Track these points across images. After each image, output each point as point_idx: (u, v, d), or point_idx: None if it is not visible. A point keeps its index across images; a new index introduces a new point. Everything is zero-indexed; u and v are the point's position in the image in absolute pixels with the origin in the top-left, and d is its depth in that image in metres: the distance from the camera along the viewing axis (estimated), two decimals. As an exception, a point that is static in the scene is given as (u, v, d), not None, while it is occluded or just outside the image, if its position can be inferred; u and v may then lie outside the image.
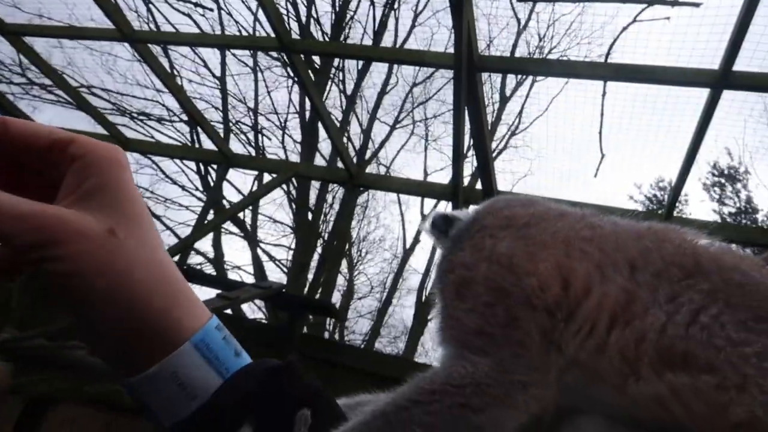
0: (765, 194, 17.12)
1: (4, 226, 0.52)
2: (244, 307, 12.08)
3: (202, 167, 13.04)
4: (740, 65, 4.07)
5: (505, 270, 0.90)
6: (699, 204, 19.16)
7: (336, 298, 16.04)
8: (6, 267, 0.56)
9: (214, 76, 13.39)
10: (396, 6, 14.56)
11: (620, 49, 5.26)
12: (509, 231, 0.99)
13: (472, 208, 1.29)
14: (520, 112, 14.75)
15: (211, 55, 13.12)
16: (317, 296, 12.86)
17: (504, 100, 15.02)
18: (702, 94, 4.40)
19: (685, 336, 0.71)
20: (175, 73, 12.08)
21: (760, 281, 0.77)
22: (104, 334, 0.58)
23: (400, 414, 0.75)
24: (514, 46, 14.08)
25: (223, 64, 13.26)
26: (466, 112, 4.67)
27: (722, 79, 4.07)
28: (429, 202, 16.93)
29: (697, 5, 3.93)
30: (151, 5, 11.22)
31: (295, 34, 12.49)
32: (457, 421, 0.75)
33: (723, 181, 18.73)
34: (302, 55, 5.86)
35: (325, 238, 14.67)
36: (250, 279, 13.35)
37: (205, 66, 13.21)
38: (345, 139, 12.80)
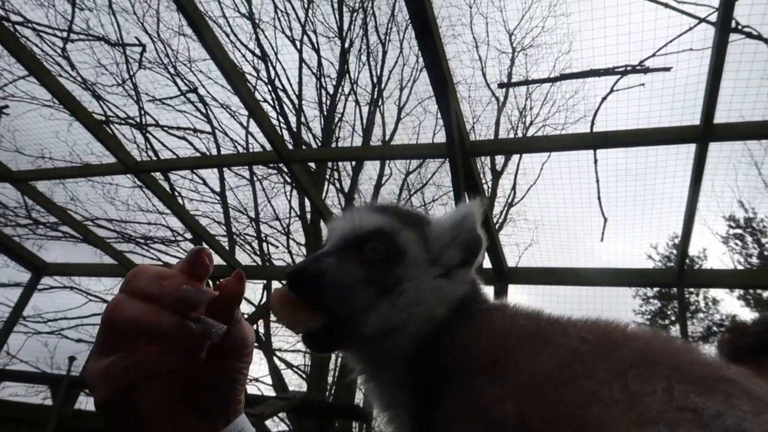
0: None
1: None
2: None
3: (210, 283, 13.08)
4: (719, 117, 4.25)
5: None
6: (721, 257, 19.12)
7: (360, 397, 15.59)
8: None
9: (213, 192, 13.75)
10: (381, 103, 15.24)
11: (603, 117, 5.49)
12: (503, 378, 0.83)
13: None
14: (514, 186, 15.07)
15: (209, 171, 13.56)
16: (340, 399, 12.51)
17: (496, 175, 15.35)
18: (690, 149, 4.55)
19: None
20: (176, 194, 12.42)
21: None
22: (231, 399, 0.79)
23: None
24: (497, 123, 14.62)
25: (222, 179, 13.67)
26: (466, 196, 4.80)
27: (705, 133, 4.23)
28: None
29: (667, 70, 4.15)
30: (149, 135, 11.71)
31: (288, 141, 12.97)
32: None
33: (742, 232, 18.69)
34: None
35: (340, 336, 14.49)
36: (268, 390, 13.04)
37: (204, 183, 13.60)
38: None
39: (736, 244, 18.81)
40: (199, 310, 0.68)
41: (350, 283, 0.98)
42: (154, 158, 10.73)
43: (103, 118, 9.83)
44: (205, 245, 0.71)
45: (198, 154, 12.40)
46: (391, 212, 1.10)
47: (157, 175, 7.60)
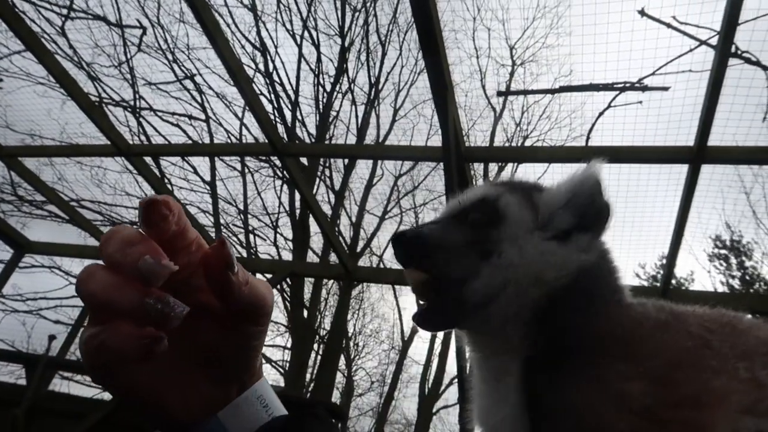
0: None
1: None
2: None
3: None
4: (713, 140, 4.29)
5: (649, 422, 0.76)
6: (706, 277, 19.31)
7: (335, 396, 15.58)
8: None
9: (204, 181, 13.67)
10: (376, 104, 15.24)
11: (599, 133, 5.52)
12: (639, 364, 0.81)
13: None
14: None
15: (200, 161, 13.48)
16: (317, 397, 12.47)
17: (488, 185, 15.36)
18: (682, 170, 4.59)
19: None
20: (166, 181, 12.33)
21: None
22: (246, 361, 0.74)
23: None
24: (493, 133, 14.67)
25: (213, 169, 13.58)
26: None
27: (698, 155, 4.26)
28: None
29: (665, 89, 4.19)
30: (142, 119, 11.61)
31: (281, 135, 12.91)
32: None
33: (727, 253, 18.84)
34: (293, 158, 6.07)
35: (321, 334, 14.44)
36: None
37: (195, 172, 13.51)
38: (336, 233, 12.91)
39: (721, 264, 19.03)
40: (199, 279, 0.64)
41: (450, 246, 1.00)
42: (146, 143, 10.64)
43: (97, 99, 9.75)
44: (155, 195, 0.62)
45: (190, 142, 12.33)
46: (499, 183, 1.11)
47: (148, 160, 7.53)
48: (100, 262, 0.61)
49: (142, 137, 11.73)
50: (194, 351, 0.70)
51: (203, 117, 13.07)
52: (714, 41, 3.89)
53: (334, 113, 14.79)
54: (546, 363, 0.89)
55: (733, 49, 3.82)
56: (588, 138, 4.71)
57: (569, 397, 0.82)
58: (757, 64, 4.03)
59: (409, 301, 18.81)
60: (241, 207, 14.32)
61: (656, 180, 5.11)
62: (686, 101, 4.41)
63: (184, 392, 0.69)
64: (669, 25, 4.05)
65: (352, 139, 14.63)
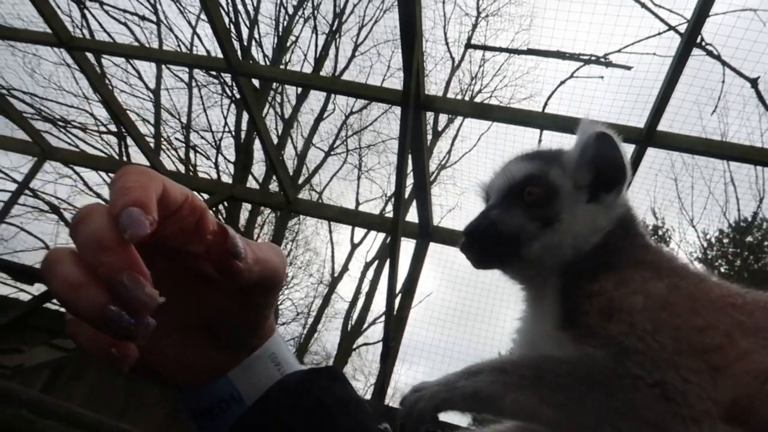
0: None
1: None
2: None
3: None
4: (662, 126, 4.42)
5: (669, 312, 0.93)
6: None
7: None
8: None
9: (147, 88, 13.00)
10: (338, 35, 14.78)
11: (555, 100, 5.58)
12: (661, 275, 1.00)
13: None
14: (450, 149, 15.23)
15: (146, 66, 12.76)
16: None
17: (436, 135, 15.42)
18: (628, 150, 4.72)
19: None
20: (107, 81, 11.64)
21: None
22: (256, 322, 0.70)
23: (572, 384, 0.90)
24: (448, 83, 14.58)
25: (159, 77, 12.91)
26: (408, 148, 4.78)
27: (647, 137, 4.39)
28: (359, 230, 17.02)
29: (628, 68, 4.25)
30: (86, 11, 10.80)
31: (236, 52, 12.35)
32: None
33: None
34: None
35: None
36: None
37: (140, 77, 12.80)
38: (281, 160, 12.68)
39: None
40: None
41: (517, 224, 1.17)
42: (90, 38, 9.92)
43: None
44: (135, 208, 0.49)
45: (138, 45, 11.61)
46: (536, 157, 1.26)
47: (89, 57, 7.03)
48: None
49: (85, 31, 10.95)
50: (196, 317, 0.66)
51: (154, 19, 12.31)
52: (682, 29, 3.95)
53: (293, 38, 14.27)
54: (583, 273, 1.06)
55: (698, 40, 3.90)
56: (545, 105, 4.75)
57: (602, 284, 1.00)
58: (717, 58, 4.14)
59: (343, 237, 18.87)
60: (184, 121, 13.77)
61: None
62: (645, 83, 4.51)
63: (184, 356, 0.66)
64: (643, 5, 4.07)
65: (308, 69, 14.21)
